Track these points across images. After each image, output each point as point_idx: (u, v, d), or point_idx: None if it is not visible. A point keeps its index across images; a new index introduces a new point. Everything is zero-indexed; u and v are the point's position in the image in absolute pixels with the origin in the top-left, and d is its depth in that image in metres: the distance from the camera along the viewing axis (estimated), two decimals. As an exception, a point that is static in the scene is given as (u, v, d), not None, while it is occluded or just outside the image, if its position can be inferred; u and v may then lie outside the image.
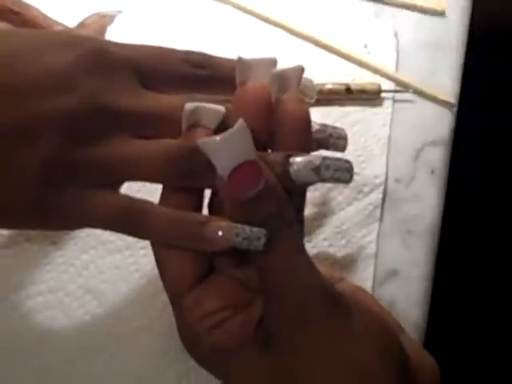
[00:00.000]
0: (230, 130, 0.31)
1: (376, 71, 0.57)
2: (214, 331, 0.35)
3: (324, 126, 0.38)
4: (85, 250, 0.50)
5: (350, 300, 0.35)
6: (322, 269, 0.36)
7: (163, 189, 0.36)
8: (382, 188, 0.52)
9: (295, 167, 0.34)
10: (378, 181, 0.52)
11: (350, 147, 0.47)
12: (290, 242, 0.34)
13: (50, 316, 0.48)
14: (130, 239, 0.37)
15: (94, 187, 0.35)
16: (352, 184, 0.49)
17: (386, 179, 0.52)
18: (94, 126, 0.34)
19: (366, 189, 0.52)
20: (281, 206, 0.33)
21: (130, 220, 0.35)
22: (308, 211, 0.50)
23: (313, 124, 0.37)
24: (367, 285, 0.48)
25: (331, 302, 0.34)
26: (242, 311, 0.35)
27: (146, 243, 0.37)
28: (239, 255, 0.36)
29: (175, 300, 0.36)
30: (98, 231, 0.49)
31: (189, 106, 0.35)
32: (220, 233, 0.33)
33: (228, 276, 0.36)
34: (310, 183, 0.35)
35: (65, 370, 0.46)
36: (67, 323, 0.47)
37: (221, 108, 0.35)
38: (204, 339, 0.35)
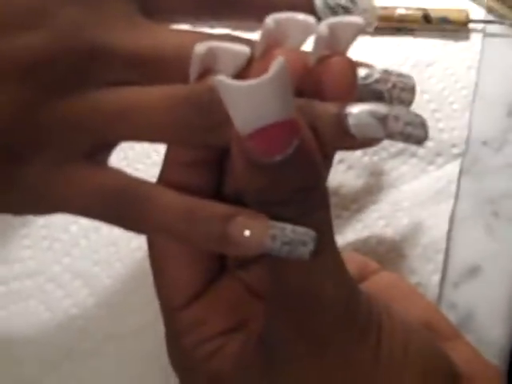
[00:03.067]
0: (265, 76, 0.26)
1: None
2: (212, 358, 0.33)
3: (386, 74, 0.34)
4: (74, 220, 0.44)
5: (380, 309, 0.32)
6: (353, 256, 0.36)
7: (166, 157, 0.32)
8: (460, 160, 0.45)
9: (355, 117, 0.30)
10: (456, 150, 0.45)
11: (422, 97, 0.44)
12: (320, 231, 0.30)
13: (27, 308, 0.42)
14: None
15: (73, 158, 0.30)
16: (421, 151, 0.44)
17: (468, 143, 0.45)
18: (71, 70, 0.30)
19: (440, 160, 0.45)
20: (313, 180, 0.29)
21: (125, 208, 0.30)
22: (361, 181, 0.44)
23: (372, 71, 0.33)
24: (432, 285, 0.42)
25: (354, 323, 0.31)
26: (243, 328, 0.33)
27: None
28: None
29: (169, 314, 0.34)
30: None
31: (201, 47, 0.30)
32: (247, 232, 0.29)
33: (232, 284, 0.34)
34: (373, 140, 0.32)
35: (49, 377, 0.41)
36: (49, 318, 0.42)
37: (244, 49, 0.31)
38: (200, 367, 0.33)
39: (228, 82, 0.27)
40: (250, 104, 0.27)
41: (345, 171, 0.43)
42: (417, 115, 0.32)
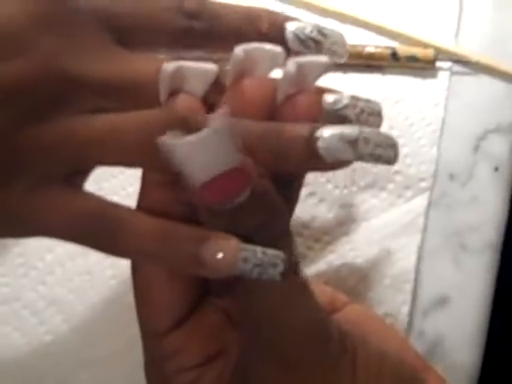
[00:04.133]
0: (205, 130, 0.26)
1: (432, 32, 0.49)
2: None
3: (354, 99, 0.33)
4: (50, 249, 0.43)
5: (354, 338, 0.32)
6: (323, 288, 0.35)
7: (142, 181, 0.32)
8: (427, 193, 0.45)
9: (326, 141, 0.30)
10: (424, 184, 0.45)
11: (391, 133, 0.44)
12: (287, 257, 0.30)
13: (2, 333, 0.42)
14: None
15: (50, 182, 0.30)
16: (390, 185, 0.45)
17: (436, 176, 0.45)
18: (47, 98, 0.30)
19: (409, 193, 0.45)
20: (272, 213, 0.30)
21: (100, 232, 0.30)
22: (334, 213, 0.44)
23: (340, 97, 0.33)
24: (402, 315, 0.42)
25: (326, 346, 0.31)
26: (221, 357, 0.33)
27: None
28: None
29: (151, 340, 0.33)
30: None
31: (169, 66, 0.30)
32: (220, 255, 0.28)
33: (213, 312, 0.33)
34: (343, 162, 0.31)
35: None
36: (23, 344, 0.42)
37: (212, 67, 0.31)
38: None
39: (170, 142, 0.27)
40: (195, 158, 0.27)
41: (316, 204, 0.43)
42: (387, 136, 0.32)
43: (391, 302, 0.42)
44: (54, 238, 0.30)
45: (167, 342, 0.32)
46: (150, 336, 0.33)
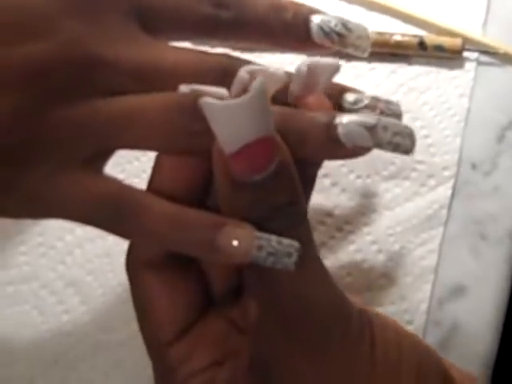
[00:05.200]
0: (242, 96, 0.27)
1: (460, 22, 0.47)
2: None
3: (374, 100, 0.34)
4: (70, 230, 0.43)
5: (370, 316, 0.32)
6: None
7: (155, 165, 0.32)
8: (452, 182, 0.44)
9: (345, 126, 0.30)
10: (447, 173, 0.44)
11: (415, 123, 0.44)
12: (304, 242, 0.29)
13: (21, 312, 0.42)
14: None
15: (72, 165, 0.30)
16: (414, 174, 0.44)
17: (459, 166, 0.44)
18: (70, 80, 0.30)
19: (432, 182, 0.44)
20: (295, 194, 0.29)
21: (118, 215, 0.30)
22: (356, 202, 0.43)
23: (361, 97, 0.34)
24: (422, 307, 0.41)
25: (349, 327, 0.31)
26: (229, 361, 0.32)
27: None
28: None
29: (157, 351, 0.32)
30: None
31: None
32: (235, 242, 0.28)
33: (217, 320, 0.33)
34: (362, 150, 0.31)
35: (37, 380, 0.41)
36: (41, 323, 0.42)
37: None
38: None
39: (211, 102, 0.27)
40: (232, 122, 0.27)
41: (338, 193, 0.43)
42: (405, 126, 0.32)
43: (411, 299, 0.42)
44: (71, 221, 0.30)
45: (172, 353, 0.32)
46: (157, 347, 0.32)
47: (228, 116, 0.27)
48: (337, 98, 0.33)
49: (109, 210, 0.29)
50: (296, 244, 0.28)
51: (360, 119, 0.30)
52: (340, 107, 0.33)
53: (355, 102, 0.33)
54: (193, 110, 0.29)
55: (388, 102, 0.34)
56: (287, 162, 0.29)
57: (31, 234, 0.43)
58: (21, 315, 0.41)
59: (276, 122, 0.29)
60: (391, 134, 0.31)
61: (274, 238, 0.28)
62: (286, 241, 0.28)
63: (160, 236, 0.29)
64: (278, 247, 0.28)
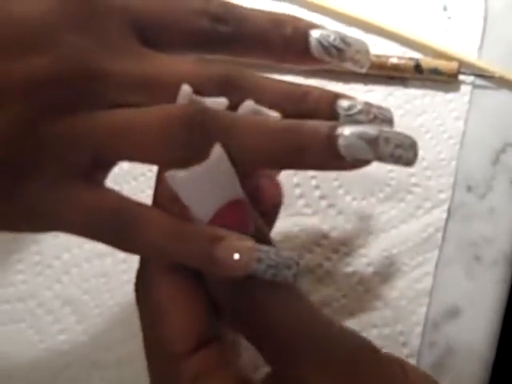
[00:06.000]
0: (203, 163, 0.28)
1: (456, 45, 0.48)
2: None
3: (367, 105, 0.34)
4: (67, 248, 0.43)
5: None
6: None
7: (157, 179, 0.32)
8: (447, 204, 0.44)
9: (346, 139, 0.30)
10: (443, 195, 0.44)
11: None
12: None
13: (16, 331, 0.42)
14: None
15: (72, 176, 0.30)
16: (409, 196, 0.44)
17: (454, 188, 0.45)
18: (74, 94, 0.30)
19: (428, 204, 0.44)
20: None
21: (119, 228, 0.30)
22: (352, 224, 0.44)
23: (354, 103, 0.34)
24: (417, 330, 0.42)
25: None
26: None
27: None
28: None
29: (164, 365, 0.31)
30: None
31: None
32: (237, 256, 0.28)
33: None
34: (363, 161, 0.31)
35: None
36: (37, 342, 0.42)
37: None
38: None
39: (174, 174, 0.28)
40: (199, 191, 0.28)
41: (335, 216, 0.43)
42: (406, 136, 0.31)
43: (405, 322, 0.42)
44: (70, 233, 0.30)
45: (190, 364, 0.31)
46: (166, 360, 0.31)
47: (193, 185, 0.28)
48: (330, 104, 0.33)
49: (109, 223, 0.29)
50: (295, 256, 0.29)
51: (361, 130, 0.30)
52: (333, 114, 0.33)
53: (349, 108, 0.33)
54: (192, 123, 0.29)
55: (380, 107, 0.34)
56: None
57: (28, 253, 0.43)
58: (17, 334, 0.41)
59: (276, 132, 0.30)
60: (393, 147, 0.31)
61: (272, 251, 0.29)
62: (284, 253, 0.29)
63: (161, 248, 0.29)
64: (278, 259, 0.28)
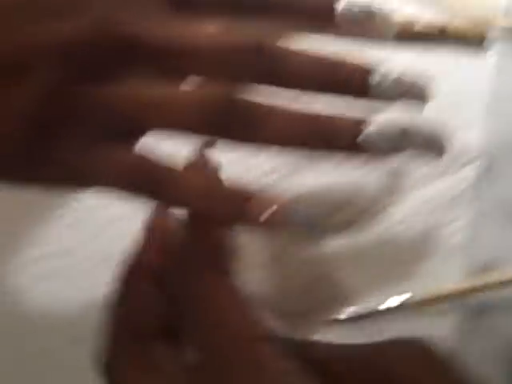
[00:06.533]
0: None
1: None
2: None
3: (398, 82, 0.33)
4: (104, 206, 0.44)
5: None
6: None
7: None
8: (477, 163, 0.44)
9: (373, 133, 0.30)
10: (474, 154, 0.45)
11: (439, 108, 0.42)
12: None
13: (56, 287, 0.42)
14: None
15: (106, 139, 0.31)
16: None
17: (484, 147, 0.45)
18: (108, 58, 0.31)
19: (459, 163, 0.44)
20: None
21: (152, 186, 0.31)
22: (383, 181, 0.44)
23: (387, 75, 0.32)
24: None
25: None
26: None
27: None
28: None
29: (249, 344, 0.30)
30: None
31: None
32: (266, 212, 0.29)
33: None
34: (394, 151, 0.31)
35: (68, 351, 0.41)
36: (76, 296, 0.42)
37: None
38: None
39: None
40: None
41: (366, 174, 0.43)
42: (437, 128, 0.31)
43: (440, 278, 0.42)
44: (109, 189, 0.31)
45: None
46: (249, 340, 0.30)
47: None
48: (363, 77, 0.32)
49: (142, 180, 0.30)
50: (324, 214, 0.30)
51: (392, 120, 0.31)
52: (365, 88, 0.32)
53: (381, 81, 0.33)
54: (225, 108, 0.30)
55: (413, 80, 0.33)
56: None
57: (70, 208, 0.43)
58: (56, 289, 0.42)
59: (304, 124, 0.30)
60: (423, 137, 0.31)
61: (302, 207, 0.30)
62: (314, 210, 0.30)
63: (190, 204, 0.31)
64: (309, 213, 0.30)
